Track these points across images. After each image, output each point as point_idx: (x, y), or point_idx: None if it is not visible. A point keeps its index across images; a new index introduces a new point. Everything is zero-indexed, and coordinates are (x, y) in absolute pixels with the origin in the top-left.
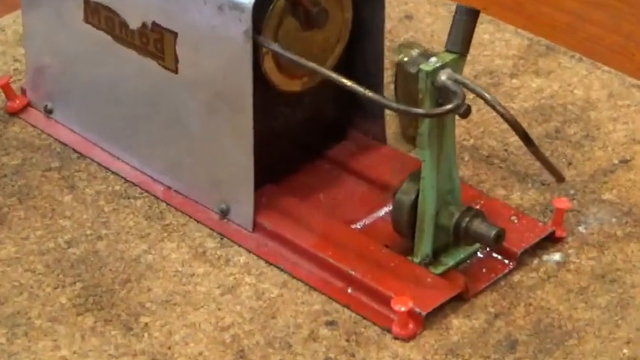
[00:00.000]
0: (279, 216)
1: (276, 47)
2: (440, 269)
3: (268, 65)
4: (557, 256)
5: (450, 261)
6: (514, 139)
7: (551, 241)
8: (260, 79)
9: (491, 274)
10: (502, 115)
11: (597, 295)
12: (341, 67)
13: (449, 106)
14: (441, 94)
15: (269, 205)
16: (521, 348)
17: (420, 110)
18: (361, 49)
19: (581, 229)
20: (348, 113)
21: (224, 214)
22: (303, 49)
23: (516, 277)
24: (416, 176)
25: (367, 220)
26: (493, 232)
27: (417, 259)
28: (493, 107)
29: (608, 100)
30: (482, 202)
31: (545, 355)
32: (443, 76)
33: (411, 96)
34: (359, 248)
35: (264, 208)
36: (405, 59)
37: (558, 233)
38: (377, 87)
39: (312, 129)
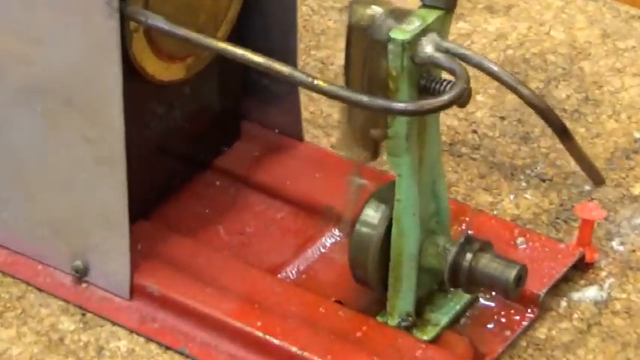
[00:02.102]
0: (168, 270)
1: (159, 20)
2: (430, 333)
3: (138, 47)
4: (592, 292)
5: (442, 318)
6: (482, 114)
7: (578, 269)
8: (126, 70)
9: (506, 332)
10: (530, 103)
11: None
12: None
13: (449, 96)
14: (424, 73)
15: (149, 254)
16: None
17: (401, 105)
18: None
19: (615, 244)
20: (245, 103)
21: (81, 275)
22: (185, 18)
23: (542, 332)
24: (384, 197)
25: (299, 264)
26: (513, 274)
27: (392, 321)
28: (514, 90)
29: (603, 43)
30: (466, 218)
31: None
32: (427, 47)
33: (374, 78)
34: (301, 311)
35: (142, 259)
36: (363, 22)
37: (589, 257)
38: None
39: (196, 132)
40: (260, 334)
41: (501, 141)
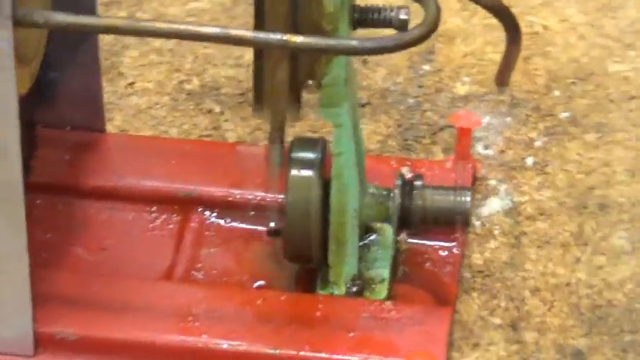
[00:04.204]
0: (71, 309)
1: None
2: (382, 291)
3: None
4: (496, 203)
5: (383, 272)
6: None
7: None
8: None
9: (448, 268)
10: (487, 6)
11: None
12: None
13: (428, 23)
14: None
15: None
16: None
17: (377, 43)
18: None
19: (481, 149)
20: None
21: None
22: None
23: (477, 258)
24: (309, 155)
25: (187, 261)
26: (468, 200)
27: (339, 289)
28: None
29: None
30: None
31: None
32: None
33: (302, 24)
34: (241, 309)
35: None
36: None
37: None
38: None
39: None
40: (218, 345)
41: None
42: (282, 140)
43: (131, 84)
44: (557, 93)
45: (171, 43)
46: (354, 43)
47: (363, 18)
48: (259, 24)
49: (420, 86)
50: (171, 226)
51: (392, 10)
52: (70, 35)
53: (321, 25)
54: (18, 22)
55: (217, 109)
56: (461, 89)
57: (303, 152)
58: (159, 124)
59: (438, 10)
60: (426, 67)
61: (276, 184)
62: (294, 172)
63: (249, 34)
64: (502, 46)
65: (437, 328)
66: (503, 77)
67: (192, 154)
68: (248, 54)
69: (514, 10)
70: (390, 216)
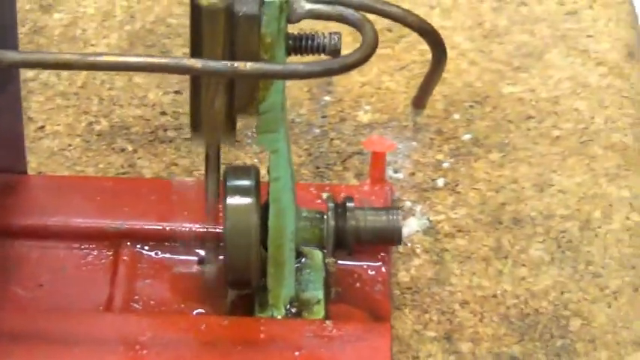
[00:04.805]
0: (11, 345)
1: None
2: (320, 311)
3: None
4: (414, 222)
5: (317, 293)
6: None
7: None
8: None
9: (378, 287)
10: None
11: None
12: None
13: (367, 47)
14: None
15: None
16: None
17: (316, 67)
18: None
19: (391, 173)
20: None
21: None
22: None
23: (403, 275)
24: (245, 183)
25: (126, 293)
26: (400, 219)
27: (279, 312)
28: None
29: None
30: None
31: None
32: (304, 3)
33: (238, 54)
34: (185, 337)
35: None
36: (217, 3)
37: None
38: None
39: None
40: None
41: None
42: (219, 169)
43: (41, 127)
44: (456, 116)
45: (75, 87)
46: (301, 67)
47: (298, 45)
48: (196, 55)
49: (324, 116)
50: (103, 261)
51: (325, 37)
52: None
53: (259, 55)
54: None
55: (130, 147)
56: (364, 117)
57: (238, 180)
58: (74, 164)
59: (375, 33)
60: (327, 98)
61: (214, 213)
62: (232, 199)
63: (199, 63)
64: (397, 75)
65: (380, 342)
66: (421, 100)
67: (114, 190)
68: (152, 94)
69: (404, 40)
70: (324, 238)
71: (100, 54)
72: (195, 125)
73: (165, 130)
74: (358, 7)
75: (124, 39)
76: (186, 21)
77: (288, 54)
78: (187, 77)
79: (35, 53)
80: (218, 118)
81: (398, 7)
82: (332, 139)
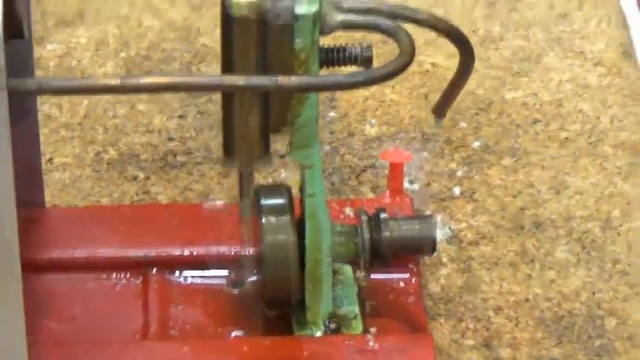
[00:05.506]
0: None
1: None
2: (358, 326)
3: None
4: (437, 233)
5: (354, 308)
6: None
7: None
8: None
9: (411, 298)
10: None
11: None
12: None
13: (405, 56)
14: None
15: None
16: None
17: (358, 78)
18: None
19: (407, 185)
20: None
21: None
22: None
23: (434, 286)
24: (279, 201)
25: (161, 320)
26: (433, 227)
27: (318, 329)
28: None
29: None
30: None
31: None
32: (333, 13)
33: (271, 65)
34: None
35: None
36: (249, 11)
37: None
38: None
39: None
40: None
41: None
42: (251, 191)
43: (49, 160)
44: (463, 124)
45: (78, 118)
46: (343, 78)
47: (330, 57)
48: (227, 70)
49: (332, 132)
50: (133, 289)
51: (356, 48)
52: (12, 109)
53: (293, 68)
54: (12, 91)
55: (141, 175)
56: (371, 131)
57: (272, 199)
58: (88, 195)
59: (411, 39)
60: (332, 114)
61: (249, 235)
62: (268, 218)
63: (241, 79)
64: (398, 87)
65: (423, 353)
66: (444, 107)
67: (135, 217)
68: (156, 120)
69: None
70: (358, 252)
71: (140, 76)
72: (229, 147)
73: (175, 155)
74: (389, 15)
75: (120, 66)
76: (180, 45)
77: (320, 67)
78: (189, 101)
79: (79, 80)
80: (253, 137)
81: (428, 12)
82: (343, 155)
